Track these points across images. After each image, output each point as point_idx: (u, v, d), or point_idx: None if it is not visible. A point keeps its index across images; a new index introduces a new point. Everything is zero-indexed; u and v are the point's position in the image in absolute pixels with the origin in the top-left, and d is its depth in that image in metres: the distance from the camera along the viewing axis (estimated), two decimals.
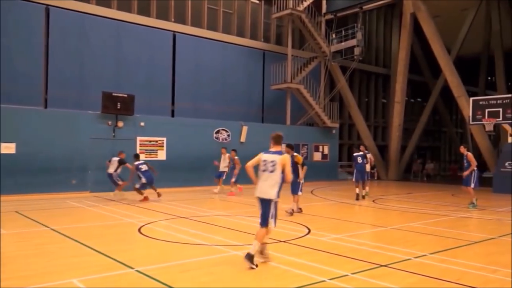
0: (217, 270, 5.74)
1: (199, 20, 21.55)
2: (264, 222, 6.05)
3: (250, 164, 6.26)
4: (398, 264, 6.13)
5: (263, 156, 6.21)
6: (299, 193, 10.85)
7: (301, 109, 22.87)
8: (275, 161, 6.04)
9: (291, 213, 10.69)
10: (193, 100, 20.73)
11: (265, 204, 6.07)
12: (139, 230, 8.51)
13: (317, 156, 22.80)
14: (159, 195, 13.51)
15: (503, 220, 10.79)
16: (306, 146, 22.53)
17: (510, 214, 11.57)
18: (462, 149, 12.94)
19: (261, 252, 6.11)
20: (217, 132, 19.00)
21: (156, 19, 20.00)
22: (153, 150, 17.05)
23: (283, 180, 6.13)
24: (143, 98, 17.96)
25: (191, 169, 17.66)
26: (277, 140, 6.31)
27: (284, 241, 7.54)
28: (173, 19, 20.59)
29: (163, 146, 17.33)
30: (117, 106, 15.97)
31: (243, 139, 19.64)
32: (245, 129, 19.73)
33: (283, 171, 6.06)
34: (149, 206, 12.11)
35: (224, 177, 15.82)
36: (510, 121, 17.05)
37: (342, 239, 7.90)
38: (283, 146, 6.85)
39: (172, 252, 6.79)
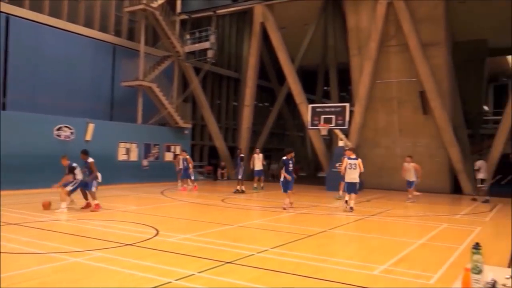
0: (52, 280, 5.23)
1: (39, 4, 19.40)
2: (353, 192, 12.40)
3: (343, 168, 12.60)
4: (242, 260, 6.42)
5: (348, 160, 12.46)
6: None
7: (153, 108, 22.35)
8: (356, 163, 12.38)
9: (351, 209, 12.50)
10: (29, 93, 18.52)
11: (354, 185, 12.35)
12: None
13: (169, 156, 22.57)
14: None
15: (333, 214, 12.16)
16: (157, 146, 22.13)
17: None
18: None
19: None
20: (59, 129, 17.37)
21: None
22: None
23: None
24: None
25: (27, 170, 15.79)
26: (354, 151, 13.22)
27: (130, 244, 7.27)
28: (6, 0, 18.18)
29: None
30: None
31: (88, 137, 18.33)
32: (91, 126, 18.45)
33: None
34: None
35: (262, 176, 18.56)
36: (340, 127, 19.30)
37: (190, 239, 7.95)
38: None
39: None
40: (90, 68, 21.09)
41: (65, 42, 19.93)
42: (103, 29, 22.13)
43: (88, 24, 21.36)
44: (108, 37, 22.13)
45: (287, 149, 12.85)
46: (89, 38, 21.08)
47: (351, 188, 12.42)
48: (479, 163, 16.65)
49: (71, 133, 17.81)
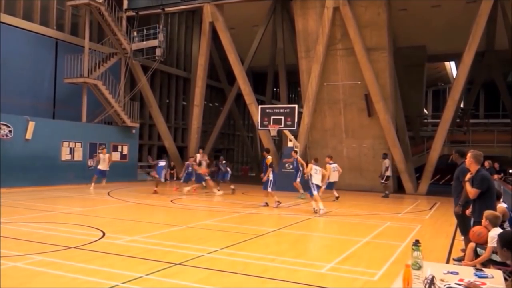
0: None
1: None
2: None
3: (308, 170, 12.70)
4: (191, 261, 6.37)
5: (314, 166, 12.59)
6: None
7: (99, 106, 21.59)
8: (319, 169, 12.64)
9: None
10: None
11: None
12: None
13: (116, 156, 21.89)
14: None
15: (281, 214, 12.34)
16: (103, 146, 21.36)
17: None
18: (293, 154, 16.10)
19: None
20: None
21: None
22: None
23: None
24: None
25: None
26: (317, 160, 13.54)
27: (74, 247, 6.99)
28: None
29: None
30: None
31: (29, 136, 17.42)
32: (31, 124, 17.54)
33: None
34: None
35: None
36: (290, 128, 19.60)
37: (137, 241, 7.78)
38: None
39: None
40: (31, 63, 20.00)
41: (2, 35, 18.78)
42: (44, 23, 21.07)
43: (28, 17, 20.26)
44: (50, 31, 21.10)
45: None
46: (28, 32, 19.99)
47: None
48: (387, 162, 18.40)
49: (10, 131, 16.85)
